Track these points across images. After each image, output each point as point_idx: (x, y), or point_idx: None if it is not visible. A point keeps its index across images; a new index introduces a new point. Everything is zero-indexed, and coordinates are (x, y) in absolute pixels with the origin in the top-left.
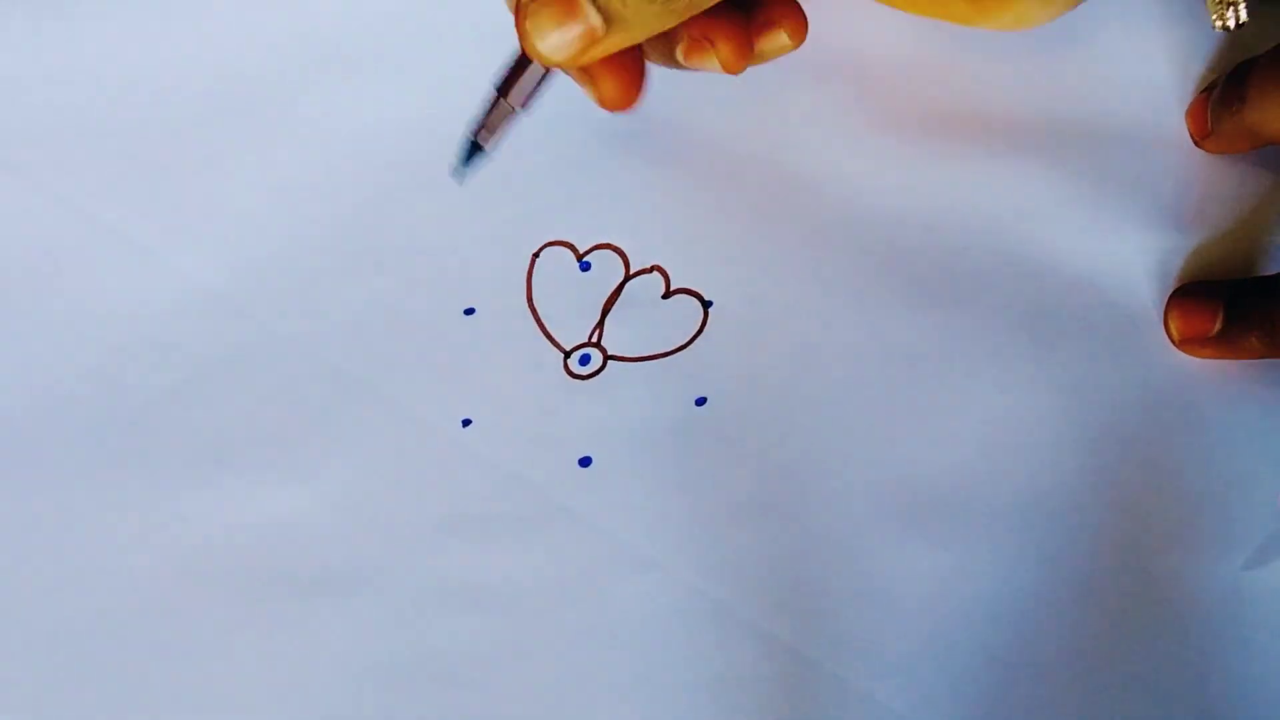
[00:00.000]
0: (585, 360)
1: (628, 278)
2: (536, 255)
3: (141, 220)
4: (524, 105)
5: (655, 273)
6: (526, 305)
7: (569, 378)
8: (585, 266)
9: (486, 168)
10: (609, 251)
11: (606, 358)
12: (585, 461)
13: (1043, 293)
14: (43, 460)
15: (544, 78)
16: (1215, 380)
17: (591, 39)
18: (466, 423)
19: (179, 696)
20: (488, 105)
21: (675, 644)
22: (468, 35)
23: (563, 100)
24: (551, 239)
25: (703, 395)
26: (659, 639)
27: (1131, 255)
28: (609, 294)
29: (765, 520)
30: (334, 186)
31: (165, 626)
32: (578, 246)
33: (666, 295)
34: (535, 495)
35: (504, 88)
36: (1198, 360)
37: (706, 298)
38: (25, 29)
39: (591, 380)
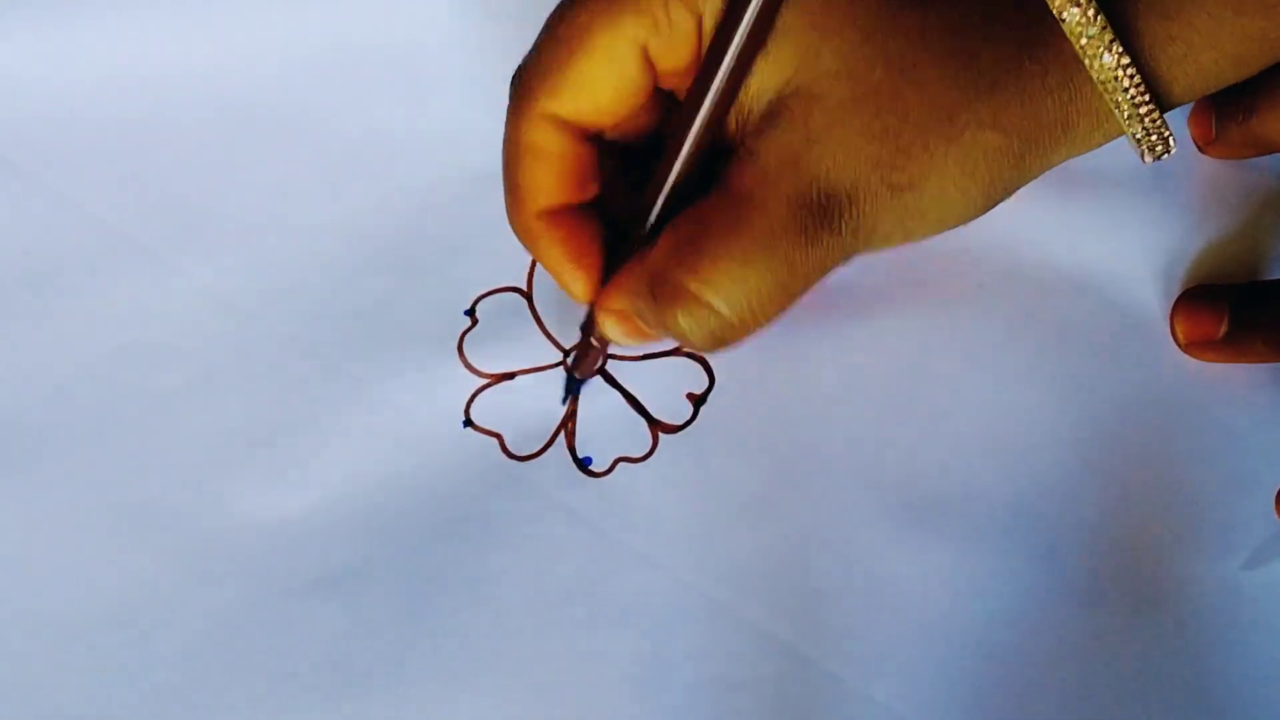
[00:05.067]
0: None
1: None
2: None
3: (144, 222)
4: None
5: None
6: (527, 305)
7: (569, 377)
8: None
9: (484, 164)
10: None
11: (606, 357)
12: (586, 461)
13: (1044, 294)
14: (44, 460)
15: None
16: (1215, 381)
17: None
18: (467, 423)
19: (179, 695)
20: (580, 346)
21: (675, 643)
22: (468, 38)
23: None
24: None
25: (703, 395)
26: (659, 638)
27: (1133, 257)
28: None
29: (765, 520)
30: (334, 188)
31: (165, 625)
32: None
33: None
34: (536, 495)
35: (586, 329)
36: (1199, 362)
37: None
38: (29, 30)
39: (592, 380)
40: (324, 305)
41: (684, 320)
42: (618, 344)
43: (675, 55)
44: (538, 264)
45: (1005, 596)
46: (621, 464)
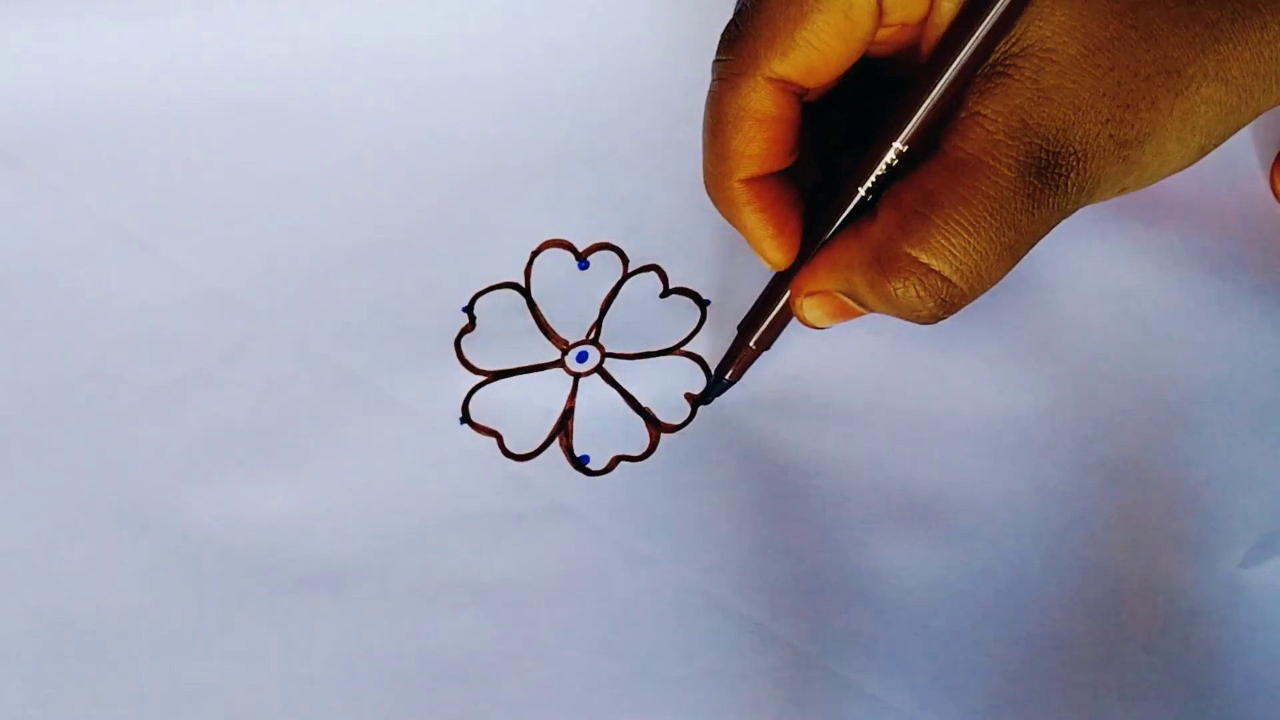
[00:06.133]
0: (583, 357)
1: (626, 276)
2: (535, 254)
3: (142, 216)
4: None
5: (653, 272)
6: (525, 303)
7: (567, 375)
8: (584, 265)
9: (484, 162)
10: (608, 251)
11: (604, 355)
12: (583, 459)
13: (1042, 291)
14: (39, 454)
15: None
16: (1214, 377)
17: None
18: (464, 420)
19: (177, 692)
20: (733, 348)
21: (673, 640)
22: (469, 34)
23: (561, 97)
24: (550, 238)
25: (701, 394)
26: (657, 635)
27: (1131, 253)
28: (607, 292)
29: (763, 517)
30: (334, 184)
31: (163, 622)
32: (576, 245)
33: (664, 294)
34: (533, 492)
35: (747, 331)
36: (1196, 357)
37: (704, 297)
38: (29, 25)
39: (589, 377)
40: (322, 301)
41: (914, 291)
42: (816, 326)
43: (911, 5)
44: (535, 266)
45: (1003, 593)
46: (620, 463)
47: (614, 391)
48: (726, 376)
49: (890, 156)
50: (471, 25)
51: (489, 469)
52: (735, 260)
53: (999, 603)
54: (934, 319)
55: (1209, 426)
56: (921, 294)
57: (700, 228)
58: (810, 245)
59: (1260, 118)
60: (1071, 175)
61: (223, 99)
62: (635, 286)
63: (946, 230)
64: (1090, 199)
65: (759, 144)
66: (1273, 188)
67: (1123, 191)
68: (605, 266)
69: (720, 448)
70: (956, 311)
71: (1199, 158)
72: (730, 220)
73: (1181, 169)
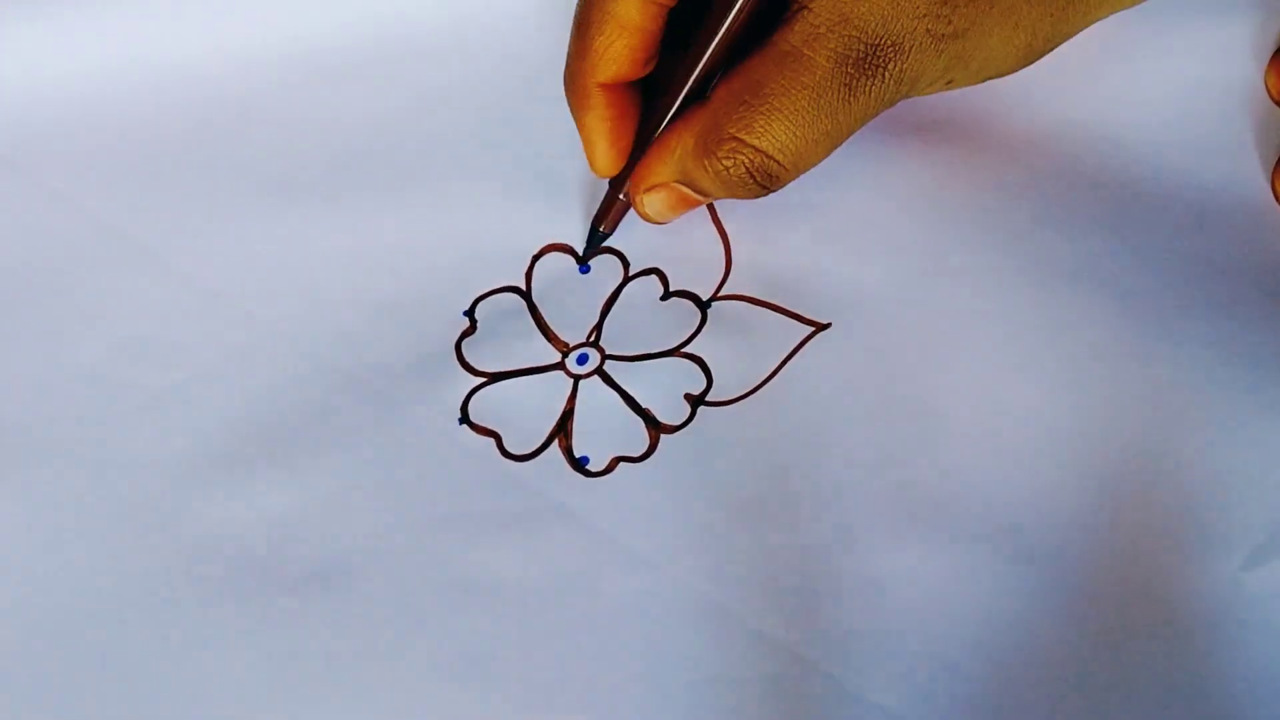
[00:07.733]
0: (583, 360)
1: (626, 279)
2: (537, 258)
3: (143, 220)
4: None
5: (654, 275)
6: (525, 305)
7: (567, 377)
8: (585, 269)
9: (486, 168)
10: (608, 254)
11: (605, 357)
12: (583, 460)
13: (1042, 292)
14: (40, 457)
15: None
16: (1215, 378)
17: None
18: (463, 420)
19: (176, 693)
20: (604, 199)
21: (672, 644)
22: (466, 37)
23: (562, 101)
24: (551, 242)
25: (701, 395)
26: (655, 639)
27: (1132, 253)
28: (608, 295)
29: (763, 521)
30: (335, 187)
31: (162, 624)
32: (577, 249)
33: (665, 297)
34: (532, 494)
35: (617, 185)
36: (1197, 358)
37: (704, 299)
38: (28, 28)
39: (589, 380)
40: (324, 305)
41: (738, 165)
42: (660, 221)
43: None
44: (536, 269)
45: (1003, 597)
46: (619, 464)
47: (614, 393)
48: (601, 229)
49: (711, 52)
50: (474, 28)
51: (487, 469)
52: (736, 262)
53: (1000, 605)
54: (760, 192)
55: (1209, 427)
56: (746, 167)
57: (700, 231)
58: (641, 147)
59: (1260, 120)
60: (889, 67)
61: (224, 102)
62: (636, 289)
63: (768, 116)
64: (913, 90)
65: (619, 47)
66: (1273, 189)
67: (949, 85)
68: (606, 269)
69: (720, 448)
70: (780, 187)
71: (1029, 59)
72: (575, 117)
73: (1012, 70)
